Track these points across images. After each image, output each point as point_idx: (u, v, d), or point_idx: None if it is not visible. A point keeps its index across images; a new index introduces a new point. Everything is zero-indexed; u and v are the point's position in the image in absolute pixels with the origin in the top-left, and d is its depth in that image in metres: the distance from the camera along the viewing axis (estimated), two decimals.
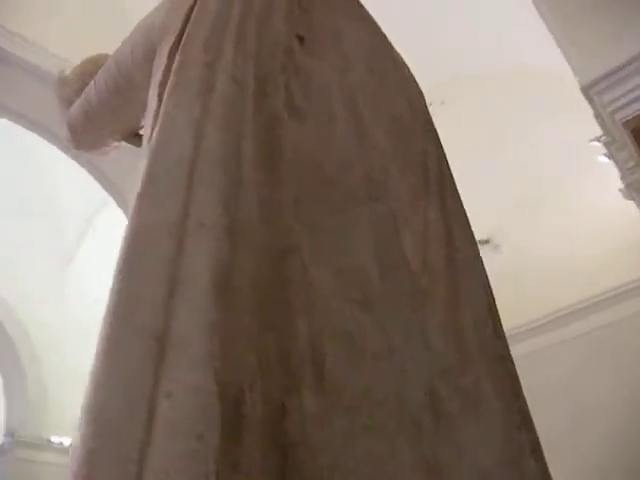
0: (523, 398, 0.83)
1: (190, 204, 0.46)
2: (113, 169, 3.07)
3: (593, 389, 3.26)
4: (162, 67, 0.61)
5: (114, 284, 0.42)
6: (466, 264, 0.88)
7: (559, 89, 2.83)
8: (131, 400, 0.36)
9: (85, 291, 4.92)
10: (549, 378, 3.33)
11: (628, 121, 1.95)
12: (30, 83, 2.39)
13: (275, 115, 0.61)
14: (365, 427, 0.48)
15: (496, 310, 0.93)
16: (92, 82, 0.86)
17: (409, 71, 1.10)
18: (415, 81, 1.11)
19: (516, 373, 0.86)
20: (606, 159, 2.49)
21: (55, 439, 4.80)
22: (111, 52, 0.86)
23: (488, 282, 0.96)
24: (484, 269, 0.97)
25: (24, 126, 2.73)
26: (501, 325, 0.92)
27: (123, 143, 0.95)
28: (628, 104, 1.95)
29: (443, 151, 1.07)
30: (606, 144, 2.30)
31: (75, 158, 3.08)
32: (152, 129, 0.54)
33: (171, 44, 0.62)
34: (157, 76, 0.62)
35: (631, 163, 2.19)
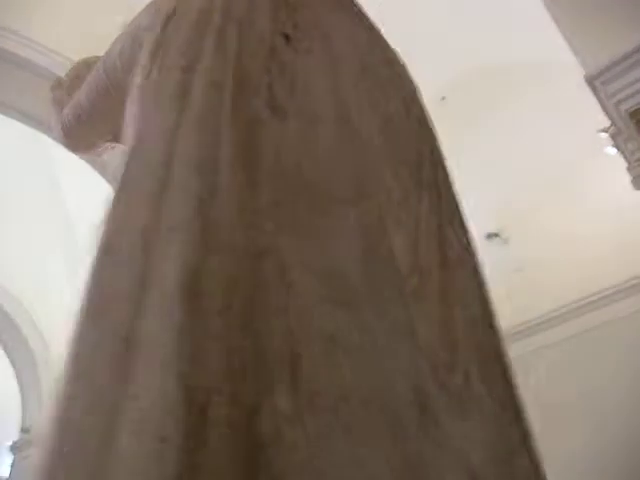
0: (518, 395, 0.83)
1: (162, 207, 0.46)
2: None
3: (600, 384, 3.23)
4: (141, 70, 0.61)
5: (86, 285, 0.42)
6: (460, 261, 0.87)
7: (566, 81, 2.80)
8: (96, 401, 0.36)
9: None
10: (558, 373, 3.31)
11: (634, 112, 1.93)
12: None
13: (256, 116, 0.61)
14: (344, 427, 0.48)
15: (492, 307, 0.92)
16: (83, 84, 0.87)
17: (404, 67, 1.10)
18: (410, 78, 1.10)
19: (512, 369, 0.86)
20: (614, 151, 2.46)
21: None
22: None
23: (484, 279, 0.95)
24: (480, 266, 0.97)
25: (33, 126, 2.76)
26: (497, 322, 0.92)
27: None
28: (633, 94, 1.92)
29: (439, 149, 1.07)
30: (612, 135, 2.28)
31: (90, 162, 3.10)
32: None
33: (151, 48, 0.62)
34: (137, 79, 0.62)
35: (638, 154, 2.16)
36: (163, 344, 0.38)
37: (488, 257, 3.99)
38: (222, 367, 0.41)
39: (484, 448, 0.66)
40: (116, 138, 0.93)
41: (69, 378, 0.38)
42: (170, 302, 0.40)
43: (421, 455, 0.56)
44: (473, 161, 4.00)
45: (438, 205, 0.90)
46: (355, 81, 0.86)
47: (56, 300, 5.09)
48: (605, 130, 2.35)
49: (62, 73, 1.06)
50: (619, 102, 1.95)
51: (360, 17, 1.01)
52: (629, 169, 2.26)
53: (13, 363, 5.15)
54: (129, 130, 0.56)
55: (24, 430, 4.94)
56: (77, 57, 1.05)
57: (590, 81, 1.99)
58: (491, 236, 4.11)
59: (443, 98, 3.99)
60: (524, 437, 0.76)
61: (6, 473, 5.19)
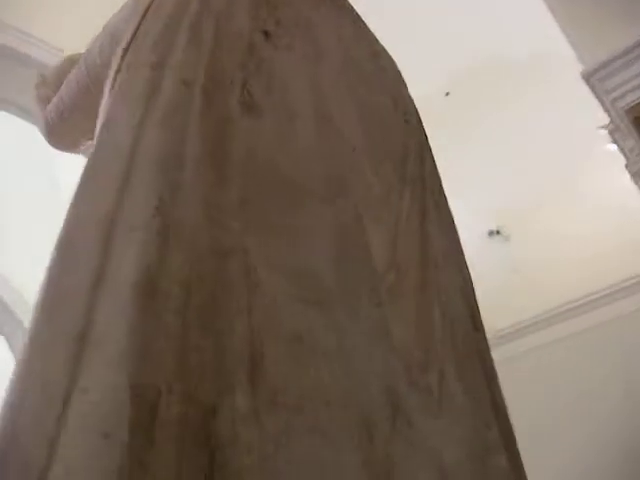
0: (499, 394, 0.82)
1: (122, 206, 0.46)
2: None
3: (597, 382, 3.21)
4: (114, 67, 0.61)
5: (43, 281, 0.42)
6: (443, 259, 0.87)
7: (567, 77, 2.78)
8: (46, 396, 0.36)
9: None
10: (557, 371, 3.29)
11: (630, 109, 1.91)
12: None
13: (227, 113, 0.61)
14: (307, 428, 0.47)
15: (476, 304, 0.92)
16: (65, 81, 0.87)
17: (392, 61, 1.09)
18: (398, 72, 1.10)
19: (493, 368, 0.86)
20: (614, 147, 2.44)
21: None
22: None
23: (468, 276, 0.95)
24: (464, 263, 0.96)
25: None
26: (481, 320, 0.91)
27: None
28: (629, 91, 1.90)
29: (427, 144, 1.06)
30: (611, 132, 2.26)
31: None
32: None
33: (124, 44, 0.62)
34: (110, 76, 0.62)
35: (637, 151, 2.14)
36: (115, 341, 0.38)
37: (489, 254, 3.98)
38: (175, 366, 0.41)
39: (459, 446, 0.65)
40: None
41: (21, 373, 0.38)
42: (124, 300, 0.40)
43: (392, 455, 0.56)
44: (476, 157, 3.99)
45: (422, 201, 0.89)
46: (338, 77, 0.85)
47: None
48: (604, 127, 2.34)
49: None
50: (615, 99, 1.94)
51: (345, 11, 1.00)
52: (628, 166, 2.24)
53: (15, 354, 5.18)
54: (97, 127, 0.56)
55: None
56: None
57: (587, 78, 1.97)
58: (492, 233, 4.10)
59: (447, 94, 3.97)
60: (502, 436, 0.76)
61: None
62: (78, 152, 0.97)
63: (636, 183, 2.28)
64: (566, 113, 3.48)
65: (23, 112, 2.34)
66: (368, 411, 0.56)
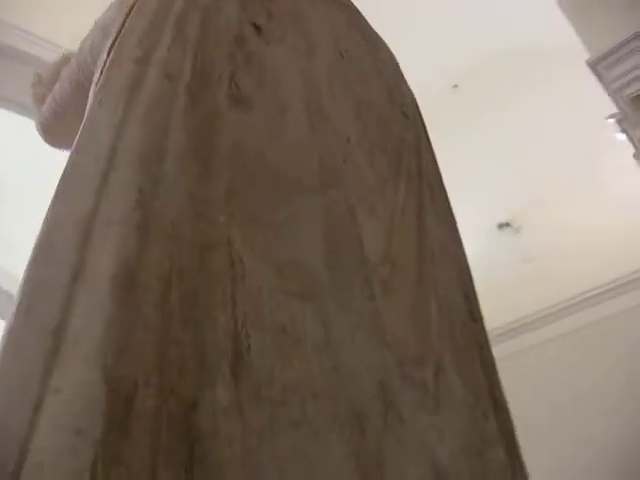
0: (498, 386, 0.81)
1: (101, 202, 0.45)
2: None
3: (600, 378, 3.17)
4: (100, 63, 0.61)
5: (22, 278, 0.42)
6: (440, 252, 0.86)
7: (574, 68, 2.74)
8: (19, 396, 0.36)
9: None
10: (563, 365, 3.26)
11: (638, 96, 1.87)
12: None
13: (215, 107, 0.60)
14: (292, 421, 0.47)
15: (474, 295, 0.91)
16: (59, 80, 0.87)
17: (390, 53, 1.08)
18: (396, 63, 1.09)
19: (491, 360, 0.85)
20: (623, 136, 2.40)
21: None
22: None
23: (466, 268, 0.94)
24: (463, 255, 0.95)
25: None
26: (479, 311, 0.90)
27: None
28: (637, 79, 1.86)
29: (426, 136, 1.05)
30: (619, 121, 2.23)
31: None
32: None
33: (110, 42, 0.62)
34: (96, 74, 0.62)
35: None
36: (91, 336, 0.38)
37: (499, 247, 3.95)
38: (154, 359, 0.41)
39: (455, 440, 0.65)
40: None
41: None
42: (101, 295, 0.40)
43: (383, 450, 0.56)
44: (484, 150, 3.96)
45: (419, 194, 0.89)
46: (331, 70, 0.84)
47: None
48: (612, 116, 2.30)
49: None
50: (622, 87, 1.91)
51: (341, 5, 0.99)
52: (636, 155, 2.21)
53: None
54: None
55: None
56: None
57: (593, 66, 1.94)
58: (502, 226, 4.06)
59: (455, 86, 3.94)
60: (500, 428, 0.75)
61: None
62: None
63: None
64: (575, 104, 3.44)
65: (23, 109, 2.35)
66: (359, 405, 0.56)
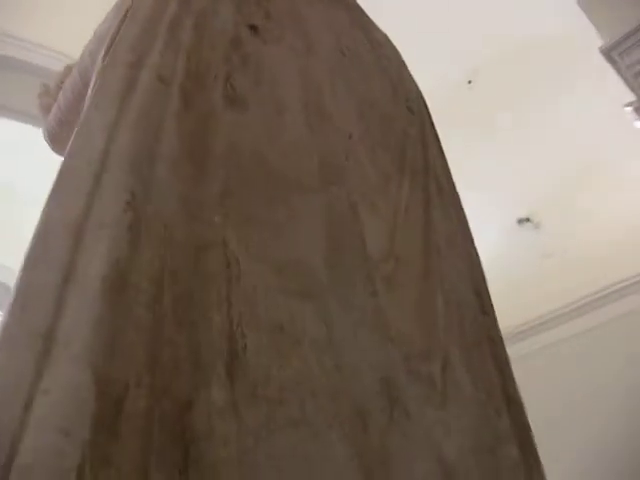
0: (511, 381, 0.80)
1: (93, 204, 0.46)
2: None
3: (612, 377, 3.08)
4: (96, 70, 0.62)
5: (16, 278, 0.43)
6: (447, 245, 0.85)
7: (590, 59, 2.69)
8: (12, 394, 0.36)
9: None
10: (587, 362, 3.19)
11: None
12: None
13: (210, 108, 0.61)
14: (290, 420, 0.47)
15: (484, 288, 0.89)
16: (62, 89, 0.88)
17: (393, 49, 1.07)
18: (401, 60, 1.08)
19: (504, 354, 0.83)
20: None
21: None
22: None
23: (477, 261, 0.92)
24: (473, 248, 0.94)
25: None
26: (490, 304, 0.88)
27: None
28: None
29: (432, 130, 1.04)
30: (636, 109, 2.17)
31: None
32: None
33: (105, 48, 0.63)
34: (92, 79, 0.62)
35: None
36: (81, 338, 0.38)
37: (519, 243, 3.89)
38: (146, 359, 0.40)
39: (464, 436, 0.64)
40: None
41: None
42: (92, 296, 0.40)
43: (389, 446, 0.55)
44: (502, 145, 3.91)
45: (425, 188, 0.87)
46: (331, 68, 0.84)
47: None
48: (630, 104, 2.25)
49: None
50: (637, 74, 1.86)
51: (342, 2, 0.99)
52: None
53: None
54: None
55: None
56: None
57: (607, 53, 1.90)
58: (522, 221, 4.01)
59: (470, 82, 3.91)
60: (514, 424, 0.73)
61: None
62: None
63: None
64: (594, 94, 3.37)
65: (23, 115, 2.38)
66: (361, 402, 0.55)
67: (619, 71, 1.97)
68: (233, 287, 0.50)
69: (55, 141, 0.93)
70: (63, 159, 0.51)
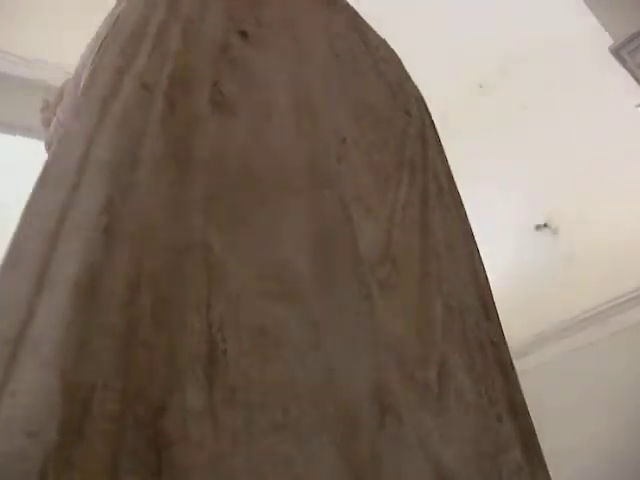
0: (515, 386, 0.78)
1: (69, 209, 0.46)
2: None
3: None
4: (84, 74, 0.62)
5: None
6: (447, 249, 0.83)
7: (603, 57, 2.65)
8: None
9: None
10: (604, 370, 3.11)
11: None
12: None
13: (195, 112, 0.60)
14: (272, 425, 0.46)
15: (489, 294, 0.88)
16: (61, 103, 0.89)
17: (392, 53, 1.07)
18: (399, 63, 1.07)
19: (509, 360, 0.81)
20: None
21: None
22: None
23: (480, 265, 0.91)
24: (476, 253, 0.92)
25: None
26: (495, 310, 0.87)
27: None
28: None
29: (432, 130, 1.03)
30: None
31: None
32: None
33: (94, 55, 0.63)
34: (81, 83, 0.63)
35: None
36: (49, 340, 0.38)
37: (537, 249, 3.82)
38: (117, 363, 0.40)
39: (463, 443, 0.62)
40: None
41: None
42: (62, 299, 0.40)
43: (380, 453, 0.53)
44: (515, 150, 3.87)
45: (423, 189, 0.86)
46: (325, 72, 0.84)
47: None
48: None
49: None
50: None
51: (336, 6, 0.99)
52: None
53: None
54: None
55: None
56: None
57: (616, 52, 1.87)
58: (540, 227, 3.94)
59: (481, 86, 3.89)
60: (519, 430, 0.71)
61: None
62: None
63: None
64: (606, 95, 3.33)
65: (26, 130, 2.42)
66: (351, 407, 0.54)
67: (629, 70, 1.93)
68: (214, 290, 0.49)
69: None
70: (43, 165, 0.51)
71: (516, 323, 3.27)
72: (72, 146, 0.51)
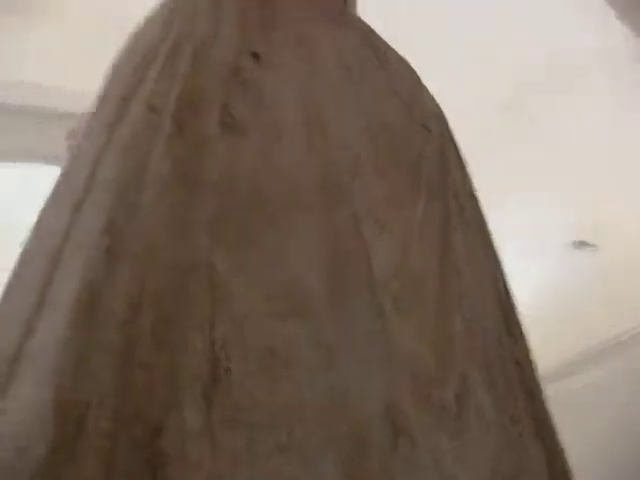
0: (541, 406, 0.75)
1: (73, 228, 0.46)
2: None
3: None
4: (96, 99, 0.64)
5: None
6: (468, 266, 0.81)
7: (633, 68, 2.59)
8: None
9: None
10: None
11: None
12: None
13: (205, 134, 0.61)
14: (276, 445, 0.45)
15: (512, 311, 0.85)
16: None
17: (408, 68, 1.06)
18: (416, 78, 1.06)
19: (535, 379, 0.78)
20: None
21: None
22: None
23: (504, 283, 0.88)
24: (499, 270, 0.89)
25: None
26: (519, 327, 0.84)
27: None
28: None
29: (453, 147, 1.01)
30: None
31: None
32: None
33: (106, 80, 0.65)
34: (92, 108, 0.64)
35: None
36: (46, 358, 0.38)
37: (576, 267, 3.72)
38: (115, 382, 0.40)
39: (482, 463, 0.59)
40: None
41: None
42: (62, 316, 0.40)
43: (390, 475, 0.52)
44: (550, 164, 3.79)
45: (444, 206, 0.85)
46: (338, 89, 0.84)
47: None
48: None
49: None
50: None
51: (348, 24, 0.99)
52: None
53: None
54: None
55: None
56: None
57: None
58: (579, 244, 3.84)
59: (509, 100, 3.85)
60: (546, 452, 0.68)
61: None
62: None
63: None
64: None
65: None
66: (362, 428, 0.52)
67: None
68: (218, 310, 0.49)
69: None
70: (52, 188, 0.52)
71: (558, 343, 3.17)
72: (80, 167, 0.52)
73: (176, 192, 0.54)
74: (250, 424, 0.44)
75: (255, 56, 0.77)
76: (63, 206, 0.48)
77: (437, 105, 1.08)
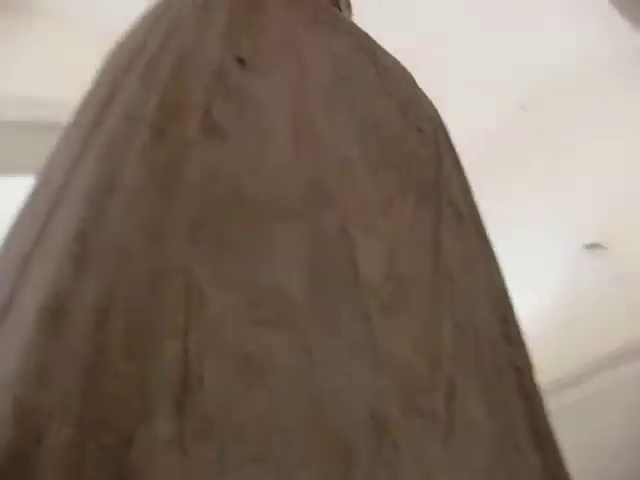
0: (541, 416, 0.73)
1: (43, 236, 0.46)
2: None
3: None
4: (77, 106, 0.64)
5: None
6: (462, 270, 0.80)
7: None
8: None
9: None
10: None
11: None
12: None
13: (184, 138, 0.60)
14: (251, 455, 0.43)
15: (511, 318, 0.83)
16: None
17: (403, 71, 1.05)
18: (411, 81, 1.06)
19: (534, 387, 0.76)
20: None
21: None
22: None
23: (502, 288, 0.86)
24: (497, 274, 0.88)
25: None
26: (518, 334, 0.82)
27: None
28: None
29: (449, 151, 1.00)
30: None
31: None
32: None
33: (88, 91, 0.65)
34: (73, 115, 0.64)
35: None
36: (7, 368, 0.38)
37: (589, 270, 3.65)
38: (76, 391, 0.39)
39: (473, 474, 0.57)
40: None
41: None
42: (25, 326, 0.40)
43: None
44: (564, 167, 3.75)
45: (436, 209, 0.83)
46: (328, 92, 0.83)
47: None
48: None
49: None
50: None
51: (343, 27, 0.98)
52: None
53: None
54: None
55: None
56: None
57: None
58: (591, 246, 3.77)
59: (522, 108, 3.82)
60: (545, 462, 0.66)
61: None
62: None
63: None
64: None
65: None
66: (345, 437, 0.51)
67: None
68: (193, 316, 0.48)
69: None
70: (27, 195, 0.52)
71: (572, 349, 3.12)
72: (55, 173, 0.51)
73: (151, 197, 0.53)
74: (222, 434, 0.43)
75: (240, 61, 0.77)
76: (37, 212, 0.48)
77: (435, 109, 1.07)
